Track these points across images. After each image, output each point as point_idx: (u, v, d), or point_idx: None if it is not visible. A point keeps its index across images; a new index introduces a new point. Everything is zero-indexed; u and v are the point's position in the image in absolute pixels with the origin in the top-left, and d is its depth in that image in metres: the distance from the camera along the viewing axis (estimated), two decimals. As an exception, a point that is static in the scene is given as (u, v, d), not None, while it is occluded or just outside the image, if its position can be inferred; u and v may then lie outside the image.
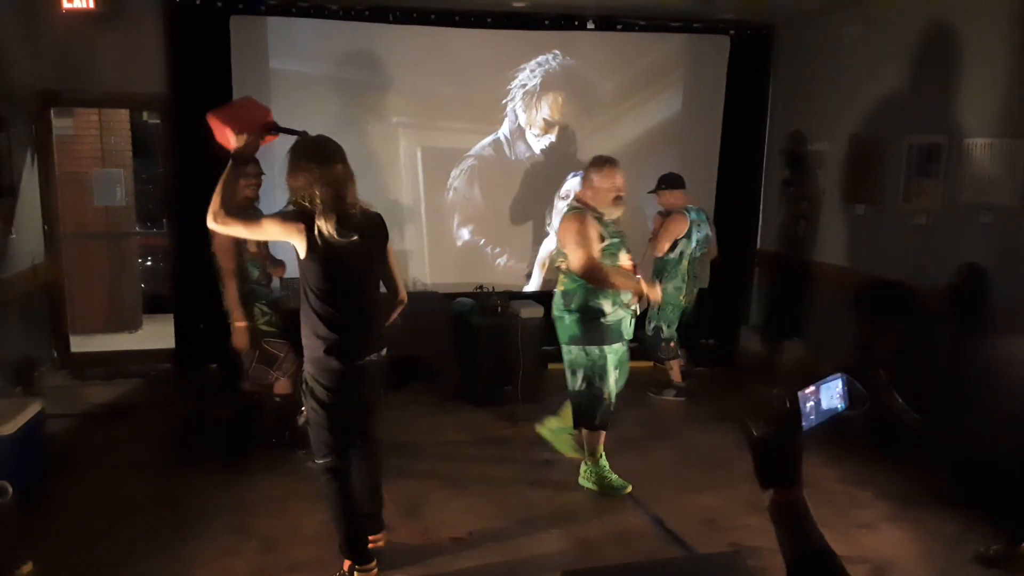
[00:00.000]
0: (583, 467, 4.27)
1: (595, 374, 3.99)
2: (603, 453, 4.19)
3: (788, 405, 1.29)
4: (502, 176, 6.49)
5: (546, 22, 6.29)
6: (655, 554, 3.53)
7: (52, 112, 5.89)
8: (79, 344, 6.27)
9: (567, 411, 4.32)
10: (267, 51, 5.91)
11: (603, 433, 4.14)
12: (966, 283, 4.57)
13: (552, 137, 6.53)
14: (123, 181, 6.96)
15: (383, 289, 3.38)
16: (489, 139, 6.44)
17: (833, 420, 1.35)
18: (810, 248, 6.31)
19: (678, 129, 6.69)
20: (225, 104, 3.63)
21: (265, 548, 3.55)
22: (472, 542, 3.63)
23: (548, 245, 6.67)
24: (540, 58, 6.38)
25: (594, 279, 3.82)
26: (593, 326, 3.92)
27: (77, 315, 6.58)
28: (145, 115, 7.61)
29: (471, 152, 6.42)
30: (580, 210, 3.93)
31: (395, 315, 3.39)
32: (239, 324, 4.24)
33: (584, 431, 4.19)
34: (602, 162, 3.96)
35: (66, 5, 5.29)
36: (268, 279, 4.49)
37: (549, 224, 6.65)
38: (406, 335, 5.62)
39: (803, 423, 1.30)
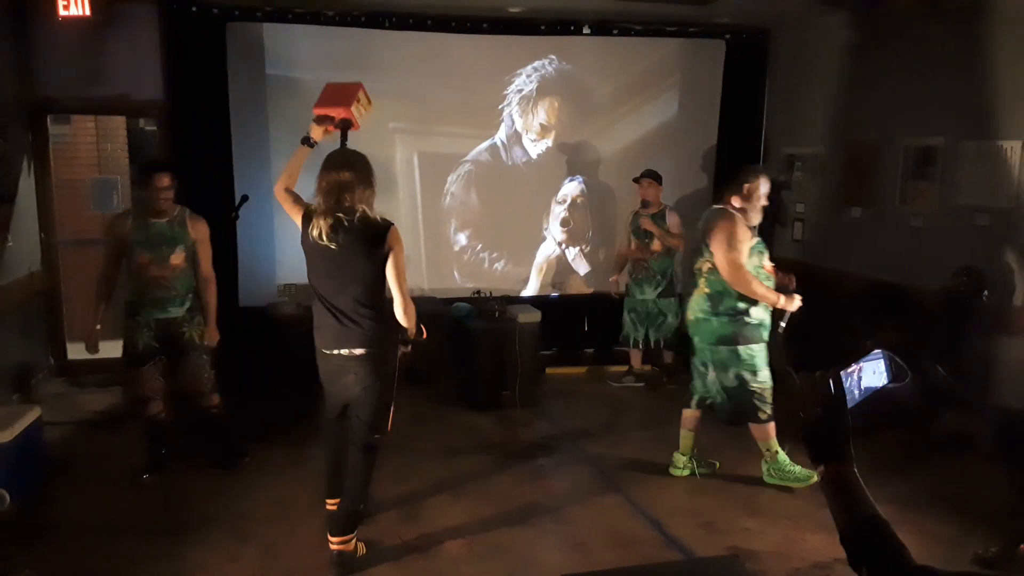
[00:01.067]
0: (763, 465, 4.30)
1: (748, 371, 4.13)
2: (779, 447, 4.24)
3: (832, 385, 1.36)
4: (499, 181, 6.50)
5: (542, 27, 6.31)
6: (653, 558, 3.53)
7: (49, 119, 5.89)
8: (76, 351, 6.23)
9: (684, 439, 4.42)
10: (263, 57, 5.92)
11: (772, 425, 4.21)
12: (963, 285, 4.59)
13: (548, 142, 6.55)
14: (120, 188, 6.96)
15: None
16: (486, 144, 6.45)
17: (878, 395, 1.42)
18: (807, 251, 6.32)
19: (674, 133, 6.71)
20: (325, 94, 3.81)
21: (265, 554, 3.54)
22: (472, 548, 3.63)
23: (546, 249, 6.68)
24: (536, 63, 6.39)
25: (739, 284, 4.00)
26: (742, 326, 4.09)
27: (74, 322, 6.56)
28: (142, 122, 7.60)
29: (468, 157, 6.43)
30: (731, 213, 4.07)
31: (406, 323, 3.43)
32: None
33: (752, 427, 4.25)
34: (756, 172, 4.16)
35: (62, 12, 5.29)
36: (166, 292, 4.17)
37: (546, 228, 6.66)
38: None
39: (847, 400, 1.37)
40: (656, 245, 5.79)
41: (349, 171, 3.27)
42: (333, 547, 3.38)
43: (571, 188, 6.66)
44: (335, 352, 3.37)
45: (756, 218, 4.13)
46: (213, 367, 4.41)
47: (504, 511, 4.00)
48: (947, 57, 4.92)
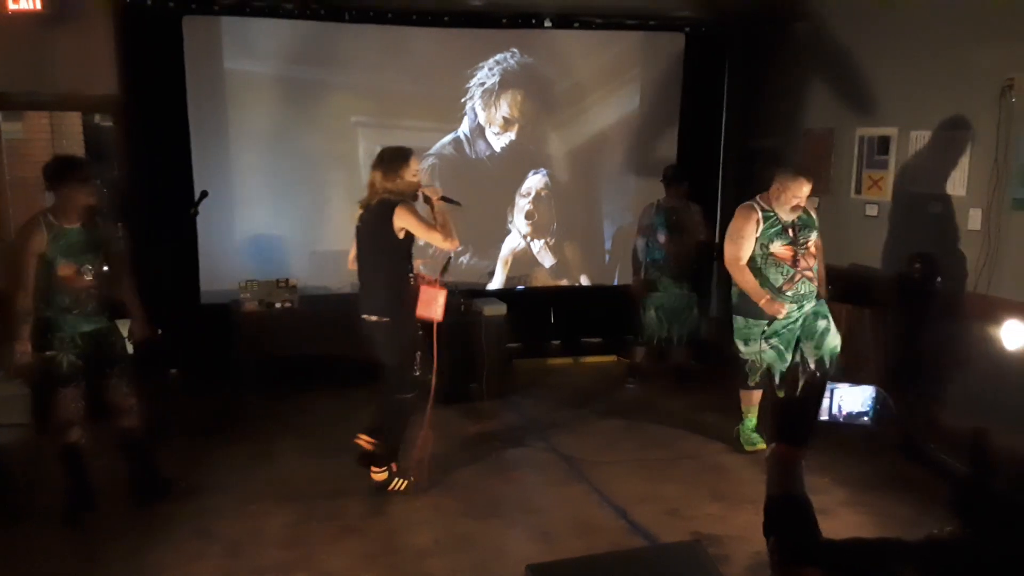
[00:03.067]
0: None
1: (741, 339, 4.53)
2: (749, 413, 4.67)
3: (816, 380, 1.46)
4: (463, 174, 6.49)
5: (504, 20, 6.31)
6: (618, 545, 3.58)
7: (1, 115, 5.76)
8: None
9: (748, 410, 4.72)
10: (221, 51, 5.83)
11: (755, 394, 4.63)
12: (917, 272, 4.71)
13: (512, 135, 6.55)
14: (76, 185, 6.82)
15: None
16: (449, 138, 6.43)
17: (854, 426, 1.52)
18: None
19: (636, 125, 6.76)
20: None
21: (230, 552, 3.52)
22: (438, 541, 3.65)
23: (511, 242, 6.70)
24: (498, 56, 6.39)
25: (732, 273, 4.44)
26: (745, 299, 4.45)
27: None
28: (98, 117, 7.45)
29: (431, 151, 6.41)
30: (748, 206, 4.41)
31: (447, 245, 4.10)
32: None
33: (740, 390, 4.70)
34: (797, 171, 4.37)
35: (12, 6, 5.17)
36: (96, 307, 3.81)
37: (511, 222, 6.68)
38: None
39: (822, 410, 1.46)
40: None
41: (377, 165, 4.02)
42: (372, 475, 4.09)
43: (535, 181, 6.67)
44: (363, 317, 4.01)
45: (784, 214, 4.34)
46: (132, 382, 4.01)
47: (471, 503, 4.02)
48: (898, 49, 5.03)
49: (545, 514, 3.93)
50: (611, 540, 3.64)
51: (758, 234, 4.35)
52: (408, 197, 4.01)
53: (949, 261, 4.63)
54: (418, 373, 4.09)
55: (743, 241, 4.36)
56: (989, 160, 4.39)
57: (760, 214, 4.35)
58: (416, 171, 4.09)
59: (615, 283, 6.85)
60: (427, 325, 4.07)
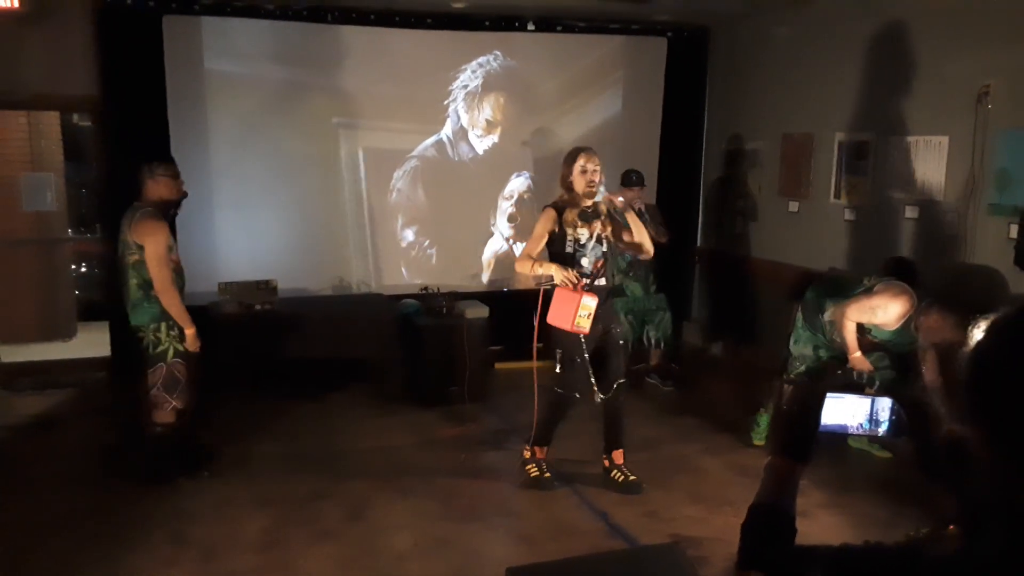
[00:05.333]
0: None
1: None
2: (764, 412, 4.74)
3: (814, 398, 1.41)
4: (446, 177, 6.48)
5: (486, 23, 6.31)
6: (598, 547, 3.57)
7: (-24, 115, 5.70)
8: (9, 354, 6.06)
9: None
10: (201, 52, 5.79)
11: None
12: (893, 275, 4.73)
13: (495, 138, 6.56)
14: (54, 185, 6.76)
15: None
16: (432, 140, 6.43)
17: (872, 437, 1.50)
18: (747, 244, 6.46)
19: (618, 129, 6.78)
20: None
21: (205, 557, 3.48)
22: (418, 544, 3.63)
23: (493, 245, 6.69)
24: (481, 59, 6.40)
25: None
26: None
27: (7, 324, 6.37)
28: (76, 117, 7.39)
29: (414, 153, 6.40)
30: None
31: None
32: (191, 330, 4.09)
33: None
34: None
35: (-11, 4, 5.12)
36: (181, 292, 4.16)
37: (493, 224, 6.68)
38: (351, 337, 5.64)
39: (821, 421, 1.43)
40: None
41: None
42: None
43: (518, 184, 6.68)
44: None
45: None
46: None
47: (451, 506, 4.00)
48: (877, 55, 5.07)
49: (525, 517, 3.93)
50: (591, 543, 3.63)
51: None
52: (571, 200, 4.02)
53: (925, 265, 4.66)
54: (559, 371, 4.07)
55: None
56: (966, 166, 4.44)
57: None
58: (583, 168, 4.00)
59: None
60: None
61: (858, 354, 4.20)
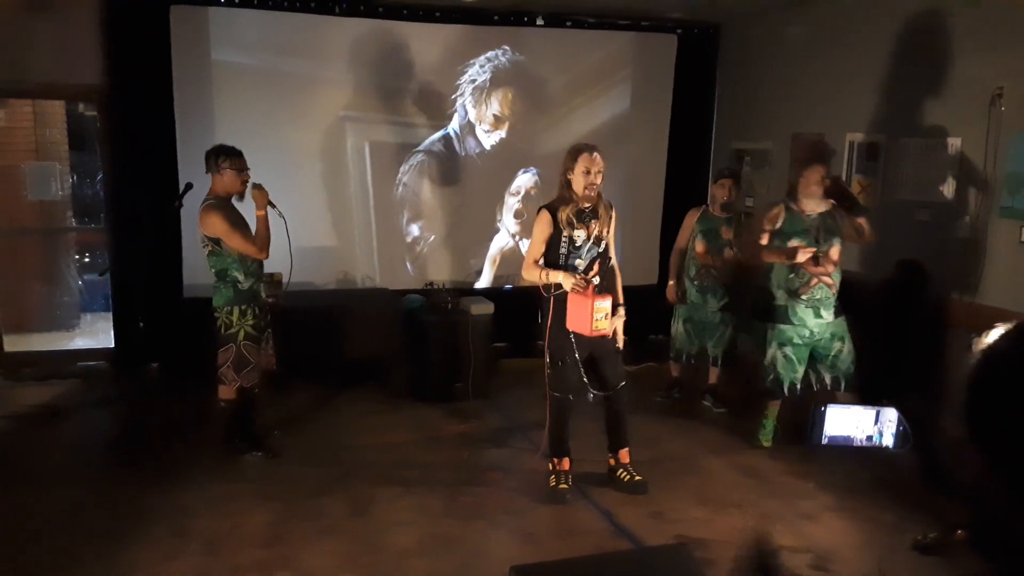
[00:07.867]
0: None
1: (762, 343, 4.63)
2: (772, 418, 4.69)
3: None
4: (452, 172, 6.45)
5: (495, 17, 6.28)
6: (603, 548, 3.55)
7: (-18, 102, 5.67)
8: (13, 343, 6.05)
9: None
10: (208, 42, 5.76)
11: (774, 403, 4.67)
12: (903, 279, 4.71)
13: (502, 133, 6.52)
14: (58, 174, 6.73)
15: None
16: (439, 134, 6.39)
17: (873, 449, 1.47)
18: (755, 243, 6.40)
19: (627, 126, 6.74)
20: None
21: (207, 550, 3.46)
22: (422, 542, 3.60)
23: (499, 241, 6.66)
24: (489, 53, 6.35)
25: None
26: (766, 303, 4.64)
27: (10, 313, 6.34)
28: (82, 107, 7.36)
29: (420, 147, 6.36)
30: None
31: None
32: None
33: None
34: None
35: (-5, -9, 5.09)
36: (258, 280, 4.35)
37: (500, 220, 6.64)
38: (354, 332, 5.61)
39: (822, 435, 1.40)
40: (728, 252, 5.25)
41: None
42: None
43: (525, 180, 6.64)
44: None
45: (810, 208, 4.55)
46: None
47: (455, 503, 3.98)
48: (889, 56, 5.03)
49: (529, 516, 3.90)
50: (596, 543, 3.61)
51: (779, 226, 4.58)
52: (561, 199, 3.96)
53: (935, 268, 4.63)
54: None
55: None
56: (978, 168, 4.40)
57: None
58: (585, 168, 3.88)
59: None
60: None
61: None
